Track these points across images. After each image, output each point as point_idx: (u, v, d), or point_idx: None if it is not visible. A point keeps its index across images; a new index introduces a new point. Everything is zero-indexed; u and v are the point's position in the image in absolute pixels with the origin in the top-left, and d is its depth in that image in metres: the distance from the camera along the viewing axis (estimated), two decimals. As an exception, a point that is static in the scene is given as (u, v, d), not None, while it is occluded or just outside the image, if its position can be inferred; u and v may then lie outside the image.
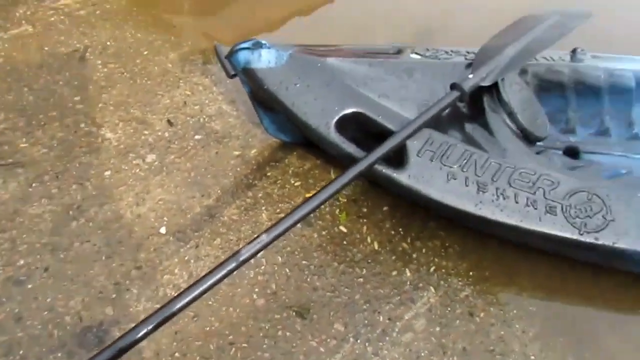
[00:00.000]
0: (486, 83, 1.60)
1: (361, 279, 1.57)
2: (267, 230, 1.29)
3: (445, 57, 1.80)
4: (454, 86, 1.57)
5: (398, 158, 1.54)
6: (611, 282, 1.64)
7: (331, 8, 2.75)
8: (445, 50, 1.86)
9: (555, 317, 1.57)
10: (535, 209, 1.49)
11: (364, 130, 1.61)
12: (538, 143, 1.81)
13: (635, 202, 1.51)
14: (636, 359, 1.51)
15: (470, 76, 1.59)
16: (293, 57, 1.60)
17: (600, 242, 1.47)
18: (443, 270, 1.62)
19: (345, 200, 1.76)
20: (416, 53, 1.79)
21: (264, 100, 1.67)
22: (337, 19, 2.62)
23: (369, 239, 1.67)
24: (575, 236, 1.47)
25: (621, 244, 1.47)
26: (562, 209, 1.49)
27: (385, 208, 1.75)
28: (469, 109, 1.66)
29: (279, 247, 1.60)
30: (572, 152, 1.85)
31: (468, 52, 1.84)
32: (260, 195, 1.74)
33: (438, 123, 1.59)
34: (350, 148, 1.53)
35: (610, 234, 1.47)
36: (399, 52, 1.80)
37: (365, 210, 1.74)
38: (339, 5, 2.77)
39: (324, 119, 1.55)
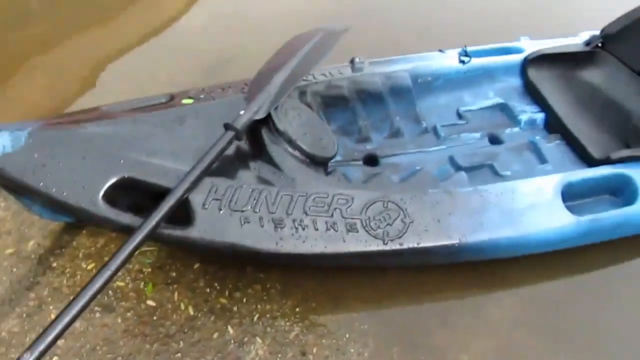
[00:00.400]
0: (259, 116, 1.53)
1: (179, 354, 1.42)
2: (30, 348, 1.09)
3: (221, 94, 1.73)
4: (227, 126, 1.49)
5: (185, 215, 1.42)
6: (432, 277, 1.68)
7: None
8: (222, 87, 1.78)
9: (387, 328, 1.56)
10: (337, 230, 1.45)
11: (143, 193, 1.46)
12: (336, 159, 1.82)
13: (427, 199, 1.54)
14: (464, 345, 1.53)
15: (242, 112, 1.52)
16: (35, 135, 1.40)
17: (405, 246, 1.48)
18: (268, 316, 1.53)
19: (150, 269, 1.60)
20: (190, 97, 1.68)
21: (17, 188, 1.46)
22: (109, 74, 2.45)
23: (182, 306, 1.53)
24: (380, 247, 1.47)
25: (424, 243, 1.49)
26: (362, 223, 1.47)
27: (196, 265, 1.63)
28: (251, 146, 1.59)
29: (76, 348, 1.40)
30: (371, 160, 1.88)
31: (246, 85, 1.78)
32: (45, 293, 1.51)
33: (222, 168, 1.50)
34: (126, 219, 1.37)
35: (412, 236, 1.49)
36: (171, 99, 1.69)
37: (174, 274, 1.60)
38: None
39: (87, 195, 1.37)
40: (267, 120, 1.58)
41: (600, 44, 2.15)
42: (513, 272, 1.71)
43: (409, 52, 2.18)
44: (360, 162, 1.86)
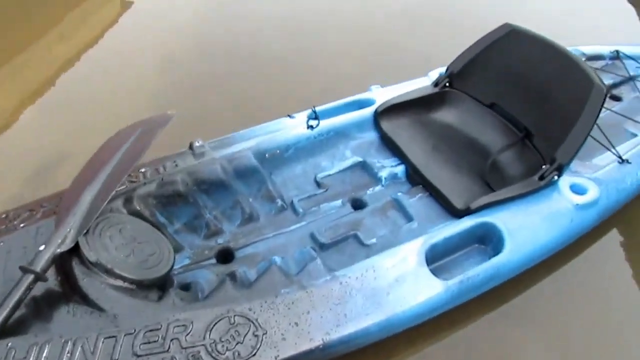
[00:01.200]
0: (65, 248, 1.29)
1: None
2: None
3: (28, 220, 1.45)
4: (24, 269, 1.23)
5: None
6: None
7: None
8: (31, 207, 1.50)
9: None
10: (177, 367, 1.24)
11: None
12: (184, 263, 1.62)
13: (279, 303, 1.37)
14: None
15: (42, 248, 1.27)
16: None
17: (263, 364, 1.30)
18: None
19: None
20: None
21: None
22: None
23: None
24: (233, 373, 1.28)
25: (284, 354, 1.32)
26: (206, 350, 1.27)
27: None
28: (63, 284, 1.32)
29: None
30: (225, 255, 1.68)
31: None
32: None
33: (25, 320, 1.24)
34: None
35: (269, 350, 1.31)
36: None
37: None
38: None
39: None
40: (78, 249, 1.34)
41: (448, 83, 2.13)
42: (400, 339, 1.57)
43: (259, 119, 2.04)
44: (214, 260, 1.65)
